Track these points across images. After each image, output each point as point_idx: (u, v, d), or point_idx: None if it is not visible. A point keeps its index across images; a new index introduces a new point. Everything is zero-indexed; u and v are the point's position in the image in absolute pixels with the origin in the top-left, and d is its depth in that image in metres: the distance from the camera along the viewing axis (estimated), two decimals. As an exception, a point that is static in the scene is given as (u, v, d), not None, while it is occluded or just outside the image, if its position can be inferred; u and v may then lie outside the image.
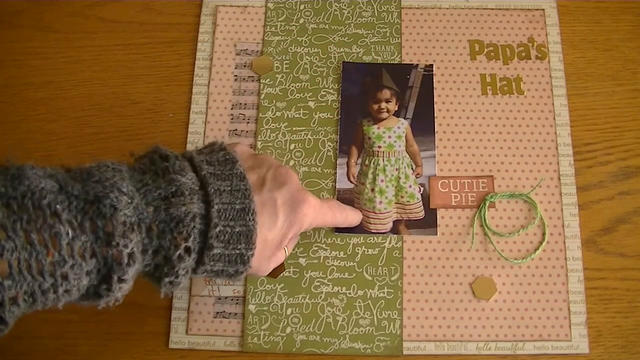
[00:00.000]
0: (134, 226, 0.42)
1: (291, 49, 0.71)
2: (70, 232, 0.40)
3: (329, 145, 0.67)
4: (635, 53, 0.71)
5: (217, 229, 0.46)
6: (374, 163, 0.66)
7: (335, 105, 0.68)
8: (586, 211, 0.65)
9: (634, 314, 0.62)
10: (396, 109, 0.68)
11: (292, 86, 0.69)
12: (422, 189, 0.65)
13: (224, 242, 0.46)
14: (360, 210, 0.64)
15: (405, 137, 0.67)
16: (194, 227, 0.44)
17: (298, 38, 0.71)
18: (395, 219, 0.64)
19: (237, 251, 0.47)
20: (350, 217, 0.62)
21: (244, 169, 0.49)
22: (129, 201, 0.42)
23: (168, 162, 0.46)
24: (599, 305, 0.62)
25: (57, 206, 0.39)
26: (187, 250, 0.44)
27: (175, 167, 0.46)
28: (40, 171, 0.41)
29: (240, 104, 0.69)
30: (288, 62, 0.70)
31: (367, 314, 0.62)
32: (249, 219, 0.47)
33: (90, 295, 0.43)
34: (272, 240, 0.50)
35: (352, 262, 0.63)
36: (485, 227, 0.64)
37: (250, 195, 0.48)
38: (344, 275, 0.63)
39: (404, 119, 0.68)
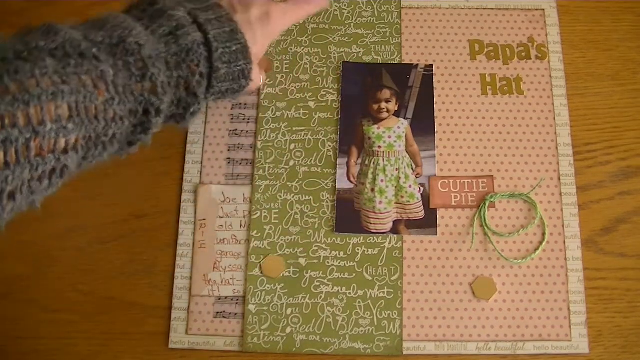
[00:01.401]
0: (157, 59, 0.46)
1: (291, 49, 0.71)
2: (111, 71, 0.43)
3: (329, 145, 0.68)
4: (635, 53, 0.71)
5: (219, 52, 0.51)
6: (374, 163, 0.67)
7: (335, 105, 0.69)
8: (586, 211, 0.65)
9: (634, 314, 0.62)
10: (396, 109, 0.69)
11: (292, 86, 0.70)
12: (422, 189, 0.66)
13: (226, 63, 0.52)
14: (361, 211, 0.65)
15: (405, 137, 0.68)
16: (201, 53, 0.49)
17: (298, 38, 0.72)
18: (395, 219, 0.65)
19: (239, 67, 0.53)
20: (317, 3, 0.64)
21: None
22: (147, 38, 0.46)
23: (158, 5, 0.50)
24: (599, 305, 0.62)
25: (94, 50, 0.42)
26: (201, 75, 0.50)
27: (167, 6, 0.50)
28: (64, 25, 0.44)
29: (240, 103, 0.69)
30: (288, 62, 0.71)
31: (367, 314, 0.62)
32: (240, 37, 0.52)
33: (124, 146, 0.47)
34: (256, 53, 0.56)
35: (352, 262, 0.64)
36: (485, 227, 0.64)
37: (233, 18, 0.53)
38: (344, 275, 0.63)
39: (404, 119, 0.68)
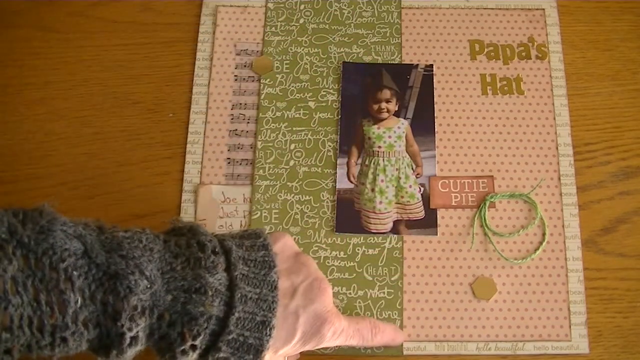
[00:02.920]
0: (146, 311, 0.43)
1: (291, 49, 0.72)
2: (79, 300, 0.41)
3: (329, 146, 0.68)
4: (635, 53, 0.72)
5: (231, 337, 0.46)
6: (374, 163, 0.67)
7: (335, 105, 0.70)
8: (586, 211, 0.66)
9: (634, 314, 0.63)
10: (396, 109, 0.69)
11: (292, 86, 0.70)
12: (422, 189, 0.67)
13: (232, 349, 0.46)
14: (361, 211, 0.66)
15: (406, 137, 0.68)
16: (207, 327, 0.45)
17: (298, 38, 0.73)
18: (396, 219, 0.66)
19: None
20: (387, 337, 0.59)
21: (279, 275, 0.49)
22: (148, 286, 0.43)
23: (203, 254, 0.46)
24: (599, 305, 0.63)
25: (74, 272, 0.41)
26: (193, 347, 0.45)
27: (208, 263, 0.46)
28: (71, 229, 0.42)
29: (241, 104, 0.70)
30: (288, 62, 0.72)
31: (368, 314, 0.63)
32: (265, 333, 0.47)
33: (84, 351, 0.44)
34: (281, 354, 0.50)
35: (352, 262, 0.64)
36: (486, 227, 0.65)
37: (275, 310, 0.47)
38: (344, 275, 0.64)
39: (404, 119, 0.69)
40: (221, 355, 0.46)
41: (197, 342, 0.45)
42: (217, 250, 0.47)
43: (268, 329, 0.47)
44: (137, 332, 0.43)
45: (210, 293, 0.45)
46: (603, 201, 0.67)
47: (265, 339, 0.47)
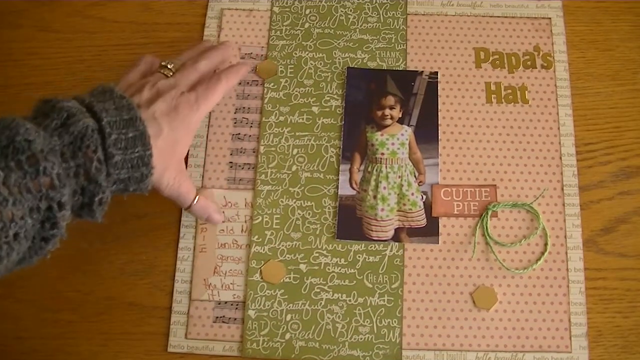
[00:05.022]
0: (50, 152, 0.48)
1: (296, 54, 0.74)
2: (1, 172, 0.45)
3: (332, 151, 0.70)
4: (635, 53, 0.74)
5: (113, 137, 0.52)
6: (376, 170, 0.69)
7: (339, 111, 0.71)
8: (586, 211, 0.68)
9: (634, 314, 0.65)
10: (400, 115, 0.71)
11: (296, 91, 0.72)
12: (424, 196, 0.68)
13: (122, 149, 0.52)
14: (362, 218, 0.68)
15: (409, 144, 0.70)
16: (96, 139, 0.50)
17: (303, 43, 0.74)
18: (397, 226, 0.67)
19: (137, 154, 0.53)
20: (233, 75, 0.66)
21: (122, 92, 0.56)
22: (37, 134, 0.48)
23: (51, 101, 0.52)
24: (599, 305, 0.65)
25: None
26: (99, 161, 0.51)
27: (60, 100, 0.52)
28: None
29: (244, 107, 0.72)
30: (292, 66, 0.73)
31: (367, 321, 0.64)
32: (138, 124, 0.53)
33: (38, 245, 0.49)
34: (164, 146, 0.57)
35: (352, 269, 0.66)
36: (487, 237, 0.67)
37: (134, 107, 0.54)
38: (344, 282, 0.66)
39: (408, 126, 0.71)
40: (116, 159, 0.52)
41: (99, 154, 0.51)
42: (60, 97, 0.53)
43: (138, 120, 0.54)
44: (58, 170, 0.47)
45: (77, 112, 0.51)
46: (603, 201, 0.69)
47: (141, 127, 0.53)
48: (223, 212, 0.68)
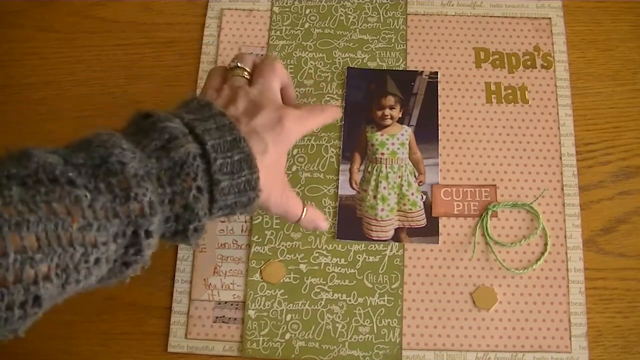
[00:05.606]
0: (145, 177, 0.45)
1: (296, 54, 0.74)
2: (88, 195, 0.42)
3: (332, 151, 0.70)
4: (635, 53, 0.75)
5: (218, 162, 0.49)
6: (376, 170, 0.70)
7: (338, 111, 0.73)
8: (586, 211, 0.69)
9: (634, 314, 0.65)
10: (400, 115, 0.72)
11: (296, 91, 0.72)
12: (424, 196, 0.69)
13: (228, 174, 0.49)
14: (362, 218, 0.68)
15: (409, 144, 0.70)
16: (198, 165, 0.48)
17: (303, 43, 0.75)
18: (397, 226, 0.68)
19: (243, 178, 0.50)
20: (332, 113, 0.64)
21: (220, 107, 0.53)
22: (133, 156, 0.45)
23: (152, 117, 0.49)
24: (599, 305, 0.66)
25: (70, 174, 0.42)
26: (199, 189, 0.48)
27: (161, 118, 0.49)
28: (43, 149, 0.45)
29: (244, 108, 0.73)
30: (292, 66, 0.74)
31: (367, 321, 0.65)
32: (243, 145, 0.50)
33: (118, 269, 0.46)
34: (270, 164, 0.54)
35: (352, 269, 0.67)
36: (487, 237, 0.67)
37: (236, 126, 0.51)
38: (344, 282, 0.66)
39: (408, 126, 0.71)
40: (223, 185, 0.49)
41: (199, 182, 0.48)
42: (161, 110, 0.51)
43: (242, 141, 0.50)
44: (150, 197, 0.45)
45: (180, 135, 0.48)
46: (603, 201, 0.69)
47: (246, 149, 0.50)
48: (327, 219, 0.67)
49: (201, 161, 0.48)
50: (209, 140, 0.49)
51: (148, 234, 0.45)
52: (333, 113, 0.64)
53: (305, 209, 0.60)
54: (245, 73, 0.60)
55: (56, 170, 0.42)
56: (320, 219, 0.62)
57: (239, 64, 0.60)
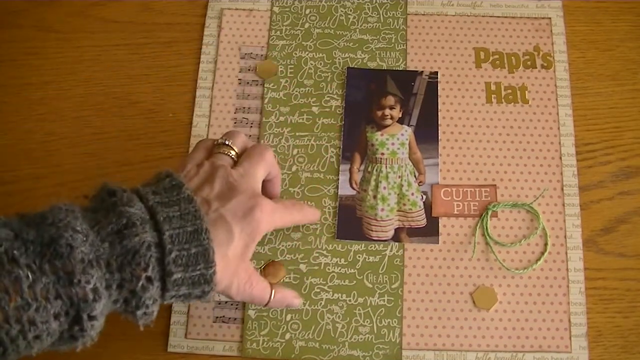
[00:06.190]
0: (93, 262, 0.45)
1: (296, 54, 0.74)
2: (30, 275, 0.43)
3: (332, 151, 0.71)
4: (635, 53, 0.75)
5: (173, 255, 0.48)
6: (376, 170, 0.70)
7: (339, 111, 0.72)
8: (586, 211, 0.69)
9: (634, 314, 0.66)
10: (400, 115, 0.72)
11: (296, 91, 0.73)
12: (424, 196, 0.69)
13: (182, 266, 0.49)
14: (362, 218, 0.68)
15: (409, 144, 0.71)
16: (151, 256, 0.47)
17: (303, 42, 0.75)
18: (397, 226, 0.68)
19: (198, 272, 0.50)
20: (309, 215, 0.66)
21: (190, 191, 0.52)
22: (84, 239, 0.45)
23: (116, 197, 0.49)
24: (599, 305, 0.66)
25: (15, 252, 0.43)
26: (149, 279, 0.47)
27: (124, 200, 0.49)
28: (4, 219, 0.45)
29: (244, 108, 0.72)
30: (292, 66, 0.74)
31: (367, 321, 0.65)
32: (203, 238, 0.50)
33: (66, 340, 0.47)
34: (232, 255, 0.53)
35: (352, 269, 0.67)
36: (487, 237, 0.67)
37: (201, 216, 0.50)
38: (344, 282, 0.66)
39: (408, 126, 0.71)
40: (176, 277, 0.49)
41: (150, 273, 0.47)
42: (126, 190, 0.51)
43: (203, 233, 0.50)
44: (95, 284, 0.45)
45: (138, 222, 0.48)
46: (603, 201, 0.69)
47: (205, 242, 0.50)
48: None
49: (156, 250, 0.48)
50: (167, 230, 0.49)
51: (91, 318, 0.46)
52: (311, 215, 0.66)
53: (272, 292, 0.59)
54: (233, 153, 0.59)
55: (0, 247, 0.43)
56: (290, 297, 0.62)
57: (226, 142, 0.60)
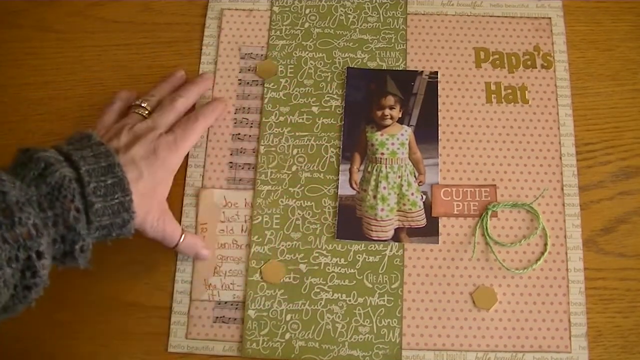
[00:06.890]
0: (26, 203, 0.48)
1: (296, 54, 0.75)
2: None
3: (332, 151, 0.71)
4: (635, 53, 0.75)
5: (92, 186, 0.53)
6: (376, 170, 0.70)
7: (338, 111, 0.72)
8: (586, 211, 0.69)
9: (634, 314, 0.66)
10: (400, 115, 0.72)
11: (296, 91, 0.73)
12: (424, 196, 0.69)
13: (102, 197, 0.54)
14: (362, 217, 0.69)
15: (409, 144, 0.71)
16: (74, 188, 0.52)
17: (303, 42, 0.75)
18: (397, 226, 0.68)
19: (117, 200, 0.55)
20: (212, 114, 0.70)
21: (100, 138, 0.58)
22: (12, 185, 0.49)
23: (29, 151, 0.53)
24: (599, 305, 0.66)
25: None
26: (77, 210, 0.52)
27: (38, 149, 0.53)
28: None
29: (244, 107, 0.73)
30: (292, 66, 0.74)
31: (367, 321, 0.65)
32: (117, 170, 0.55)
33: (21, 294, 0.49)
34: (145, 190, 0.59)
35: (352, 269, 0.67)
36: (487, 237, 0.67)
37: (112, 153, 0.56)
38: (344, 282, 0.67)
39: (408, 126, 0.71)
40: (97, 207, 0.53)
41: (77, 203, 0.52)
42: (38, 146, 0.54)
43: (117, 166, 0.56)
44: (34, 220, 0.48)
45: (55, 162, 0.52)
46: (603, 201, 0.70)
47: (119, 174, 0.55)
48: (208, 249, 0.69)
49: (77, 185, 0.53)
50: (83, 165, 0.54)
51: (40, 255, 0.49)
52: (212, 112, 0.70)
53: (183, 235, 0.64)
54: (145, 112, 0.66)
55: None
56: (200, 246, 0.67)
57: (143, 104, 0.67)
